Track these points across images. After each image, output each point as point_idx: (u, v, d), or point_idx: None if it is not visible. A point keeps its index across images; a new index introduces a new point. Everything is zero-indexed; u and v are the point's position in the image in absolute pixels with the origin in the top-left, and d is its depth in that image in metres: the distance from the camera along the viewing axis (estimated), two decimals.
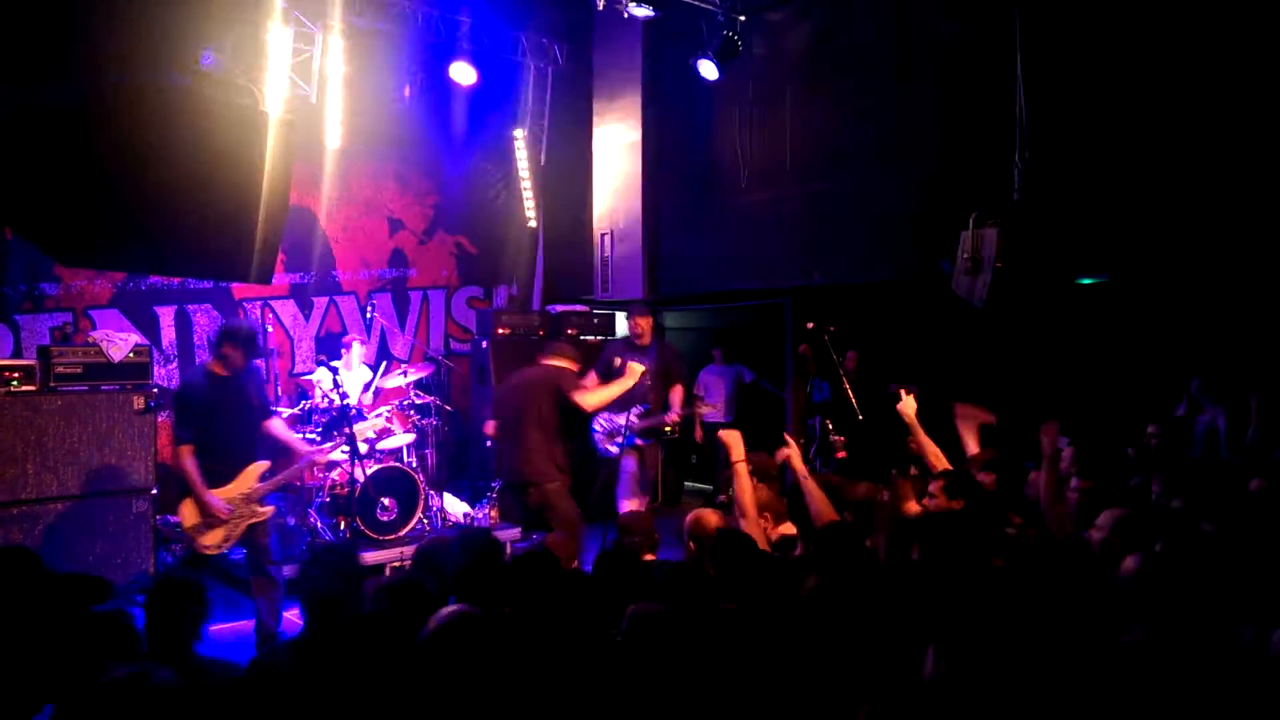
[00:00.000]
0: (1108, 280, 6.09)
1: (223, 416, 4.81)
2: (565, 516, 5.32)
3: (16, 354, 6.82)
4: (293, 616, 5.06)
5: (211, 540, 4.81)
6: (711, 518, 3.80)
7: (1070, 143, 5.70)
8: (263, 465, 4.95)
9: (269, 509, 4.96)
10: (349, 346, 7.26)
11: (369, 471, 6.11)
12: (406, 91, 8.50)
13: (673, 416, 6.14)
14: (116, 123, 2.32)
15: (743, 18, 7.75)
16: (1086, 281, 6.13)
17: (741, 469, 4.00)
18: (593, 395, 5.50)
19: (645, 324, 6.37)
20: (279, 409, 6.11)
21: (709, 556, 3.27)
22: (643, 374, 5.62)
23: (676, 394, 6.30)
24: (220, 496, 4.77)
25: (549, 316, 8.59)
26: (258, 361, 5.14)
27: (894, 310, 8.34)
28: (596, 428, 6.29)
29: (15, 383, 5.69)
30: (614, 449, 6.15)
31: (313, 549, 4.04)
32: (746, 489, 3.95)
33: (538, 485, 5.32)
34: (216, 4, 2.77)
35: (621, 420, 6.05)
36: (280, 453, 5.24)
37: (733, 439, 4.10)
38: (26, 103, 2.29)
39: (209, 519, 4.77)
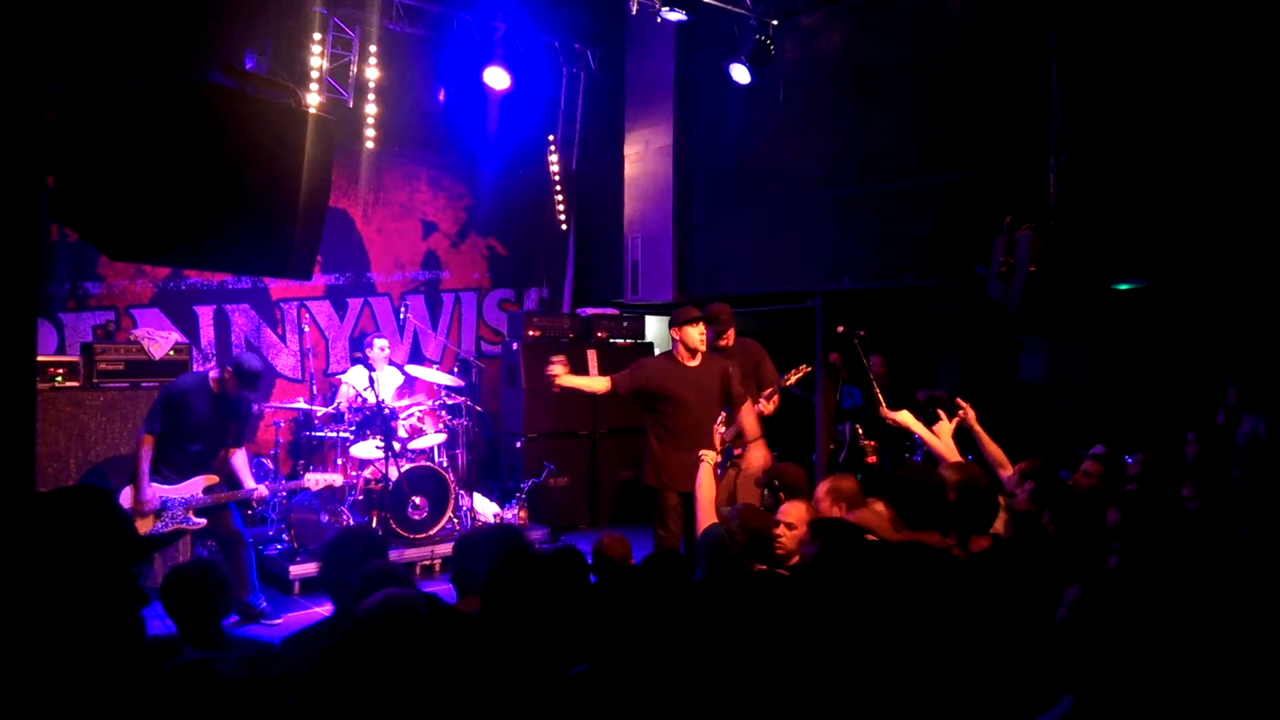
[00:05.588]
0: (1145, 285, 6.01)
1: (195, 427, 5.19)
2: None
3: (60, 351, 7.00)
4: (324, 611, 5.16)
5: (138, 529, 5.09)
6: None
7: (1107, 146, 5.64)
8: (212, 479, 5.28)
9: (200, 522, 5.24)
10: (371, 345, 7.26)
11: (402, 470, 6.18)
12: (441, 96, 8.61)
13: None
14: (170, 120, 2.39)
15: (775, 22, 7.75)
16: (1123, 287, 6.06)
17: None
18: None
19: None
20: (314, 408, 6.20)
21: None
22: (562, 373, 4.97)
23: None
24: (158, 492, 5.12)
25: (579, 319, 8.63)
26: (249, 394, 5.42)
27: (926, 315, 8.28)
28: None
29: (59, 379, 5.84)
30: None
31: (336, 534, 4.12)
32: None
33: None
34: (259, 8, 2.83)
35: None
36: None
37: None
38: (87, 102, 2.36)
39: (139, 509, 5.07)
